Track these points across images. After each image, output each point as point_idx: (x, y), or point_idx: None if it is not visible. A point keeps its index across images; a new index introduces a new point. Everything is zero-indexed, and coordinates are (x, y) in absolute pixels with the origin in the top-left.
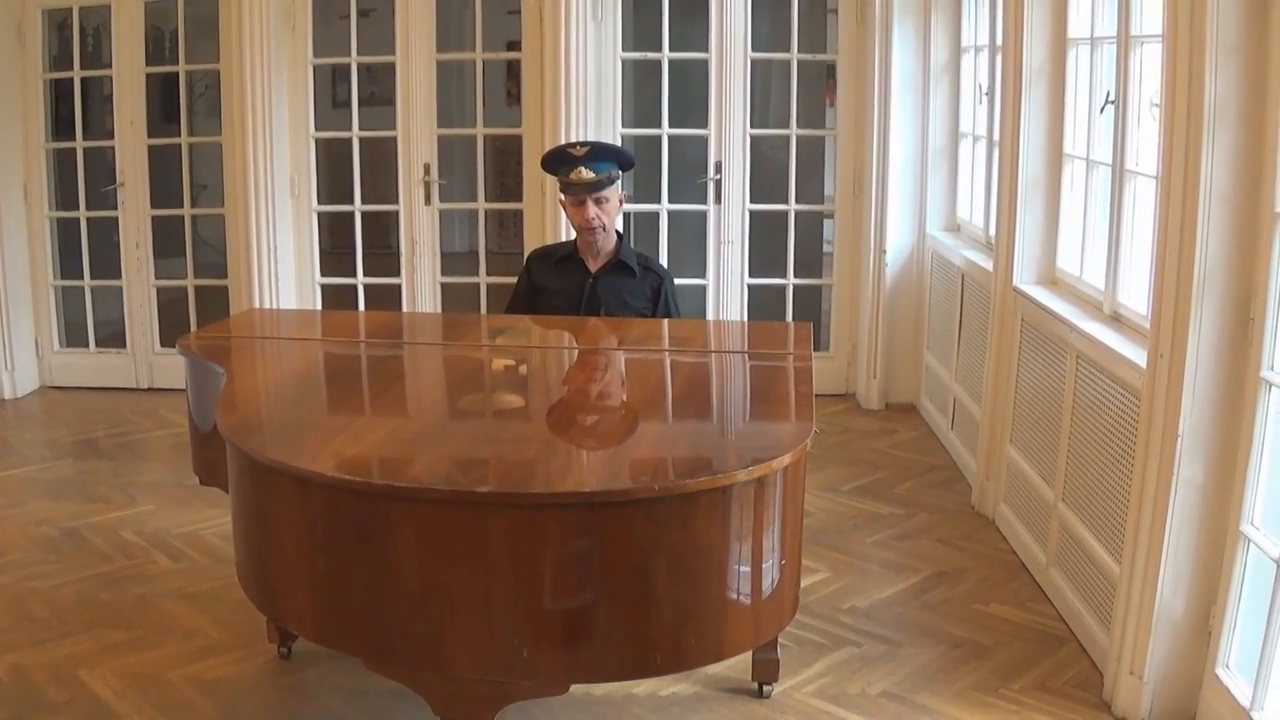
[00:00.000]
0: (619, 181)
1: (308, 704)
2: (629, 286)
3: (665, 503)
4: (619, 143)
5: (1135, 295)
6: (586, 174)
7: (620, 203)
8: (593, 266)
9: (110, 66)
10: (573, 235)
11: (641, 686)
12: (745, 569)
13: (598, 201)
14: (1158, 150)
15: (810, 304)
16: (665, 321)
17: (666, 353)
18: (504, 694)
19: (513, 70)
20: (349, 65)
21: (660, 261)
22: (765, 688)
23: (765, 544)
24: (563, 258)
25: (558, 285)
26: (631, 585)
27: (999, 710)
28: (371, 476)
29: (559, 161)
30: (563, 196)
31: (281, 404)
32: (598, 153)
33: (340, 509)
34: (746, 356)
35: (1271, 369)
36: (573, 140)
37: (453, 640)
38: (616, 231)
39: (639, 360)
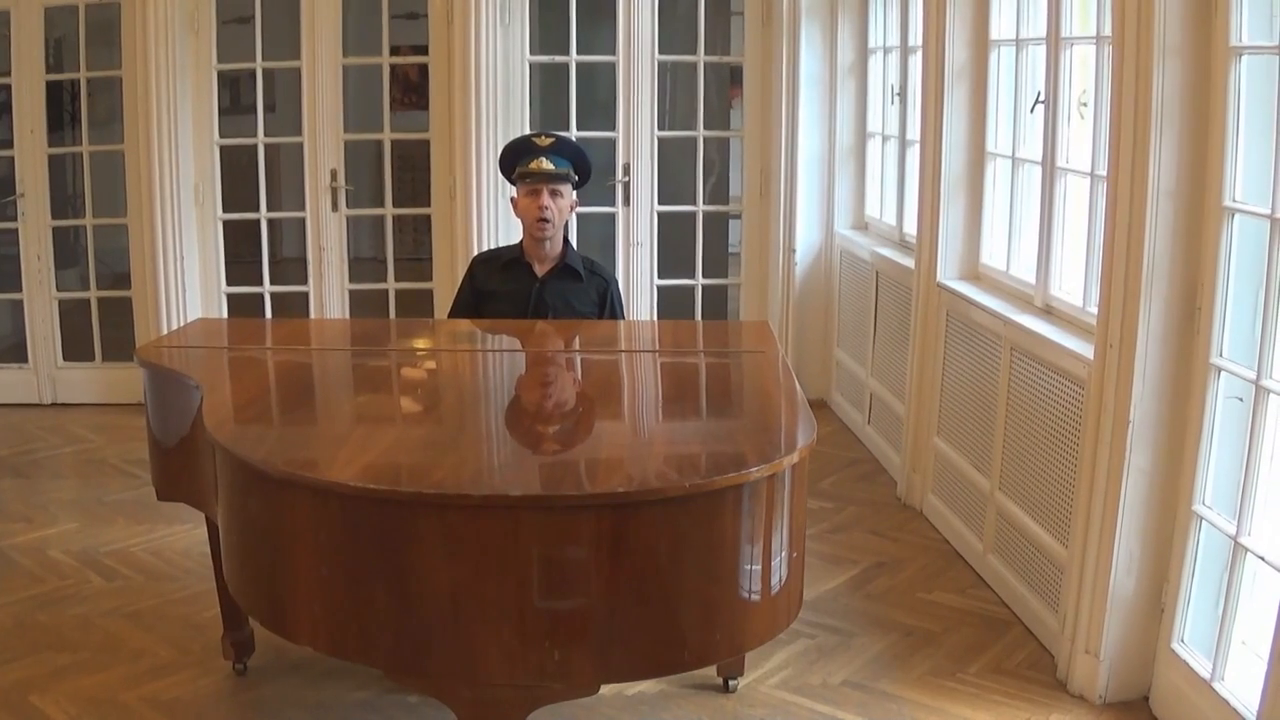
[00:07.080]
0: (572, 185)
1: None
2: (576, 290)
3: (695, 500)
4: None
5: (1068, 288)
6: (547, 164)
7: (572, 207)
8: (539, 270)
9: (2, 74)
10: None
11: (607, 686)
12: (764, 563)
13: (553, 194)
14: (1092, 148)
15: (718, 304)
16: (647, 323)
17: (656, 354)
18: (534, 698)
19: (397, 75)
20: (239, 71)
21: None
22: (731, 682)
23: (780, 538)
24: (509, 262)
25: (505, 290)
26: (662, 582)
27: (960, 694)
28: (395, 485)
29: (521, 150)
30: (514, 192)
31: (274, 414)
32: (561, 148)
33: (362, 518)
34: (733, 356)
35: (1220, 355)
36: (535, 131)
37: (483, 646)
38: (564, 236)
39: (632, 364)
